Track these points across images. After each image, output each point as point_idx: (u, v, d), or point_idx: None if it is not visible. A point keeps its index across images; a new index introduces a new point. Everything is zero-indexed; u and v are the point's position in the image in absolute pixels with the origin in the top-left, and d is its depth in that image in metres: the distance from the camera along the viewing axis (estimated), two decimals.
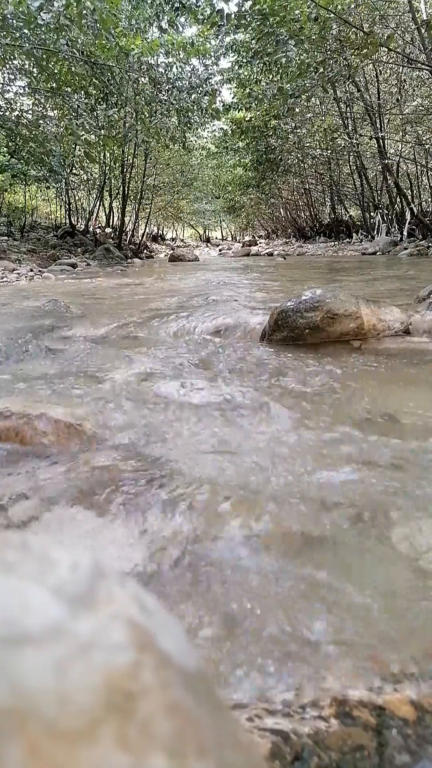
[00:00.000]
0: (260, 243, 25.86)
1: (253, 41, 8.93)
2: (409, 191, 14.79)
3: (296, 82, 9.18)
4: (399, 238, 13.72)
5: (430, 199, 15.93)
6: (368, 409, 1.45)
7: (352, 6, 8.13)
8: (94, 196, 16.82)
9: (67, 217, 16.96)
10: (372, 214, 16.67)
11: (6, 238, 12.47)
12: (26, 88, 9.89)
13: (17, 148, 11.66)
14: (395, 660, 0.58)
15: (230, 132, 14.95)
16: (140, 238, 18.96)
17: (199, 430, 1.35)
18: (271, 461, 1.14)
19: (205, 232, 41.09)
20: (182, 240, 38.57)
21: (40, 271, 8.84)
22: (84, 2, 6.60)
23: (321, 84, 9.29)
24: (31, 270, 8.66)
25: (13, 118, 10.25)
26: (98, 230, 16.59)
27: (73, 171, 14.76)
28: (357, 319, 2.10)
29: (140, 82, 8.96)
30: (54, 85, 8.91)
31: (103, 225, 18.23)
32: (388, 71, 12.41)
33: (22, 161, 12.28)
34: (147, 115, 9.74)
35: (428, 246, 11.19)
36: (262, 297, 4.09)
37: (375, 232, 15.97)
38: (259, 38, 8.37)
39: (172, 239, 36.95)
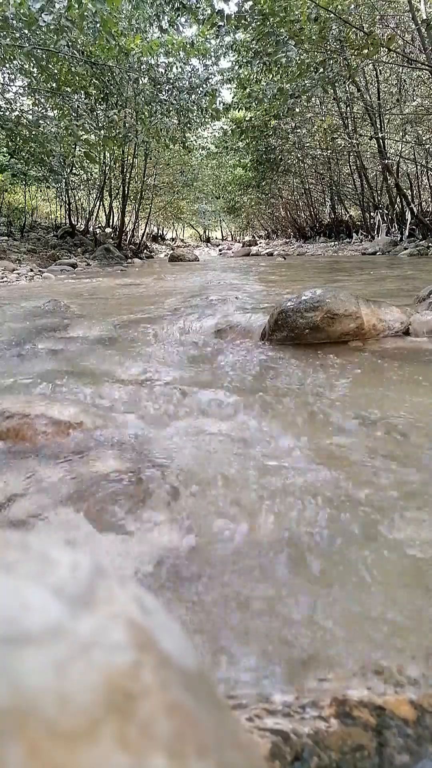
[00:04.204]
0: (260, 243, 25.86)
1: (253, 41, 8.93)
2: (409, 191, 14.78)
3: (296, 82, 9.17)
4: (399, 238, 13.71)
5: (430, 199, 15.92)
6: (367, 410, 1.44)
7: (352, 6, 8.13)
8: (94, 196, 16.81)
9: (67, 217, 16.95)
10: (372, 214, 16.67)
11: (6, 238, 12.47)
12: (26, 88, 9.89)
13: (17, 148, 11.66)
14: None
15: (230, 132, 14.93)
16: (140, 238, 18.96)
17: (198, 429, 1.35)
18: (266, 461, 1.14)
19: (205, 232, 41.10)
20: (182, 240, 38.57)
21: (40, 271, 8.85)
22: (86, 5, 6.60)
23: (321, 84, 9.28)
24: (31, 270, 8.66)
25: (13, 118, 10.24)
26: (98, 230, 16.58)
27: (73, 171, 14.75)
28: (357, 319, 2.10)
29: (140, 82, 8.96)
30: (54, 85, 8.91)
31: (103, 225, 18.22)
32: (388, 71, 12.41)
33: (22, 161, 12.28)
34: (147, 115, 9.74)
35: (428, 246, 11.18)
36: (262, 297, 4.09)
37: (375, 232, 15.97)
38: (259, 38, 8.36)
39: (172, 239, 36.96)
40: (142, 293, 4.98)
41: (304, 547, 0.83)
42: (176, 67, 10.15)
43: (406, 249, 11.57)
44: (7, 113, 10.16)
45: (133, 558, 0.82)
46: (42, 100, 10.36)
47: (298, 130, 13.68)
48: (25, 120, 10.39)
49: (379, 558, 0.79)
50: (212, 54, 10.64)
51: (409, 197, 14.10)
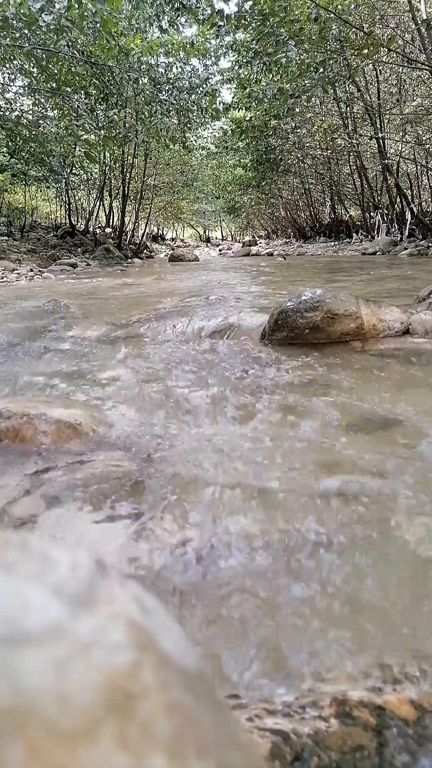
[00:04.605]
0: (260, 243, 25.87)
1: (253, 41, 8.92)
2: (409, 191, 14.78)
3: (296, 82, 9.16)
4: (399, 238, 13.71)
5: (430, 199, 15.92)
6: (367, 410, 1.44)
7: (352, 6, 8.12)
8: (94, 196, 16.81)
9: (67, 217, 16.95)
10: (372, 214, 16.67)
11: (6, 238, 12.47)
12: (26, 88, 9.89)
13: (17, 148, 11.67)
14: None
15: (230, 132, 14.93)
16: (140, 238, 18.96)
17: (197, 429, 1.35)
18: (265, 462, 1.14)
19: (205, 232, 41.13)
20: (182, 240, 38.60)
21: (40, 271, 8.85)
22: (86, 5, 6.60)
23: (321, 84, 9.27)
24: (31, 270, 8.66)
25: (14, 118, 10.24)
26: (98, 230, 16.58)
27: (73, 171, 14.75)
28: (357, 319, 2.10)
29: (140, 82, 8.96)
30: (54, 85, 8.91)
31: (103, 225, 18.22)
32: (388, 71, 12.40)
33: (22, 161, 12.29)
34: (147, 115, 9.74)
35: (428, 246, 11.18)
36: (262, 297, 4.09)
37: (375, 232, 15.97)
38: (259, 38, 8.35)
39: (172, 239, 36.99)
40: (142, 293, 4.98)
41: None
42: (176, 67, 10.16)
43: (406, 249, 11.57)
44: (7, 113, 10.16)
45: (133, 557, 0.82)
46: (42, 100, 10.36)
47: (298, 130, 13.68)
48: (25, 120, 10.38)
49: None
50: (212, 54, 10.65)
51: (409, 197, 14.09)
